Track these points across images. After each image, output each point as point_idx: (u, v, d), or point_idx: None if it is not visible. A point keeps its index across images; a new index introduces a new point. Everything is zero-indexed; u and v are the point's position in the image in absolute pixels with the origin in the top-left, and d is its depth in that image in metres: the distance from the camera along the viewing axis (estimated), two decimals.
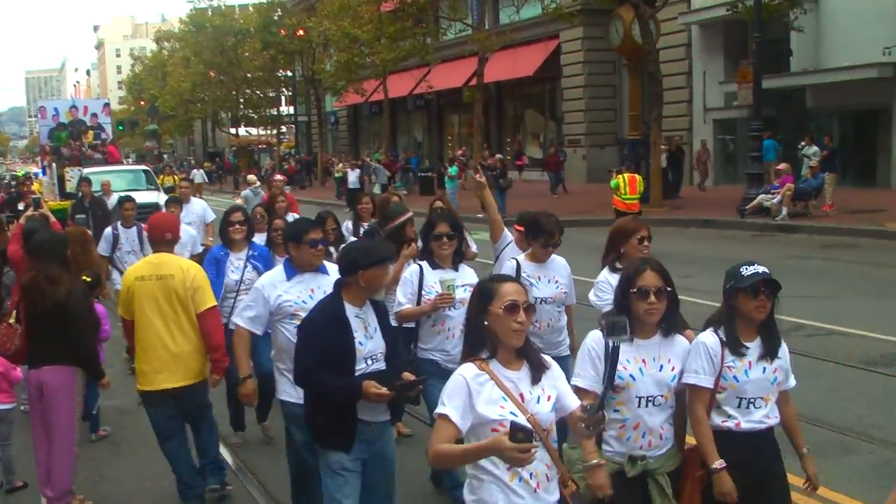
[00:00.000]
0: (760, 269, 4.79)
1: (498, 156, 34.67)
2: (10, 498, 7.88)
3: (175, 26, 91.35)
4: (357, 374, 5.36)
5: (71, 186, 24.91)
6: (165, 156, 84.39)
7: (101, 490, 7.99)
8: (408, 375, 5.53)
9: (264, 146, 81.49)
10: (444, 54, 44.73)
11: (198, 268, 7.27)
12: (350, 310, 5.44)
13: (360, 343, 5.40)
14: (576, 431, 4.25)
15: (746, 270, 4.80)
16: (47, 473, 7.07)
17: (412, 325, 6.99)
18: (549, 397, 4.13)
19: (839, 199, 24.67)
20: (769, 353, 4.90)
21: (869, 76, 27.74)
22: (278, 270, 6.54)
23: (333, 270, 6.17)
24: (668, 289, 4.74)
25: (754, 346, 4.88)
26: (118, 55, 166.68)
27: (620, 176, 20.86)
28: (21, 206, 21.83)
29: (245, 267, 8.77)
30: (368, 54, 41.75)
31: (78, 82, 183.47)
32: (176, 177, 43.16)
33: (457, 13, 39.71)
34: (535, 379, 4.11)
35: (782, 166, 24.76)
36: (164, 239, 7.19)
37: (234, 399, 8.03)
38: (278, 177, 21.30)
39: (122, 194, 15.76)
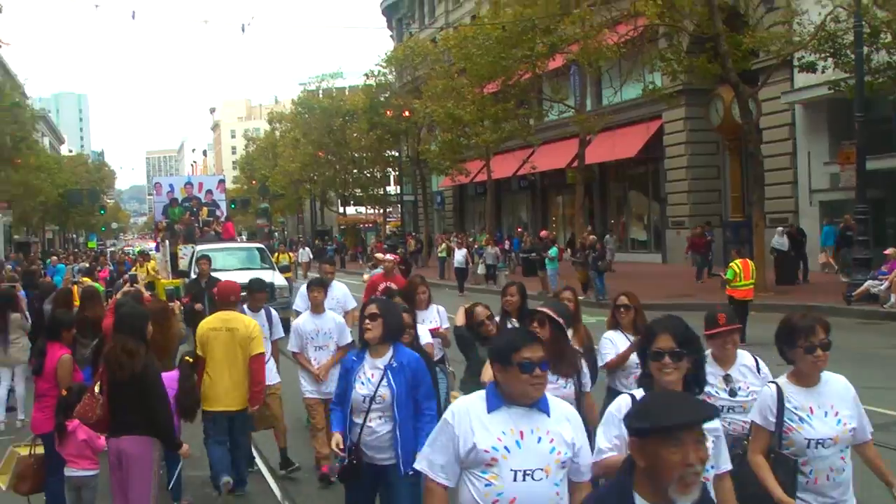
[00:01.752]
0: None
1: (592, 237, 31.60)
2: None
3: (287, 108, 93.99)
4: None
5: (184, 264, 24.76)
6: (276, 234, 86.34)
7: None
8: None
9: (370, 225, 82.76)
10: (547, 135, 45.07)
11: (255, 324, 9.54)
12: None
13: None
14: None
15: None
16: None
17: None
18: None
19: None
20: None
21: None
22: (479, 398, 4.59)
23: (558, 407, 4.54)
24: None
25: None
26: (233, 136, 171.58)
27: (733, 263, 19.88)
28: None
29: (381, 380, 6.46)
30: (472, 135, 42.34)
31: (195, 162, 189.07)
32: (290, 255, 43.57)
33: (558, 94, 40.05)
34: None
35: (890, 251, 23.91)
36: (229, 301, 9.60)
37: None
38: (389, 256, 17.98)
39: (253, 277, 12.36)
